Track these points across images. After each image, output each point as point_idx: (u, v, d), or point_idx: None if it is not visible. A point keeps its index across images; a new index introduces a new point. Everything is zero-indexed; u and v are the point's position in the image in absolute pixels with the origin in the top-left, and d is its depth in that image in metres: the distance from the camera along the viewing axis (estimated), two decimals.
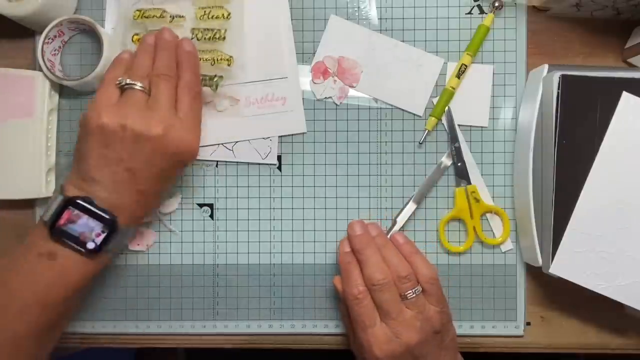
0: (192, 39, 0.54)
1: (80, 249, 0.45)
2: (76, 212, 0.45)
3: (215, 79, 0.53)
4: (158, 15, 0.54)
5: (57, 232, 0.45)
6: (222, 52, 0.55)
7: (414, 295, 0.47)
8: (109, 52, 0.53)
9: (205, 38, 0.55)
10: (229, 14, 0.55)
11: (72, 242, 0.45)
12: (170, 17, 0.55)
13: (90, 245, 0.45)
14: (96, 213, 0.45)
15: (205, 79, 0.53)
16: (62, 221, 0.45)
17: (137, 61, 0.49)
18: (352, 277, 0.49)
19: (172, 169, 0.48)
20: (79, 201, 0.45)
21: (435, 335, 0.48)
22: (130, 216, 0.47)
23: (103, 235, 0.45)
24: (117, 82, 0.47)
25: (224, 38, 0.55)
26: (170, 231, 0.56)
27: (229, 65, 0.55)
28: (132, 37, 0.55)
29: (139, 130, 0.45)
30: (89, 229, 0.45)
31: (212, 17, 0.55)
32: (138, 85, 0.47)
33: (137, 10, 0.54)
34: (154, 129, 0.45)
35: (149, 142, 0.45)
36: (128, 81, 0.47)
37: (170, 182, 0.52)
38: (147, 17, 0.54)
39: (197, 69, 0.51)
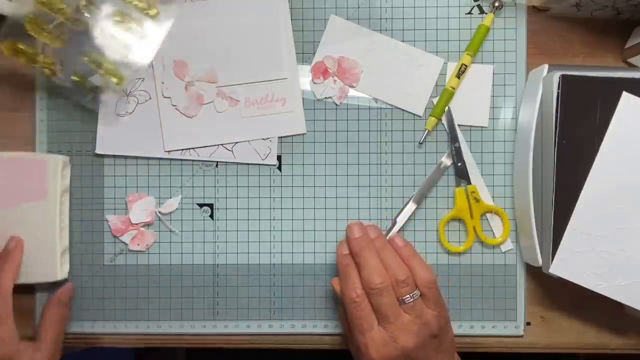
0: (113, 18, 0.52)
1: None
2: None
3: (95, 89, 0.54)
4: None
5: None
6: (116, 69, 0.53)
7: (412, 299, 0.47)
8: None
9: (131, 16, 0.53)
10: (157, 13, 0.54)
11: None
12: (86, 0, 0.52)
13: None
14: None
15: (86, 86, 0.54)
16: None
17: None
18: (350, 280, 0.49)
19: None
20: None
21: (432, 339, 0.48)
22: None
23: None
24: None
25: (157, 16, 0.54)
26: (170, 231, 0.56)
27: (118, 84, 0.54)
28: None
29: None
30: None
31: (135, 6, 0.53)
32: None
33: None
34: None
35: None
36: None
37: None
38: None
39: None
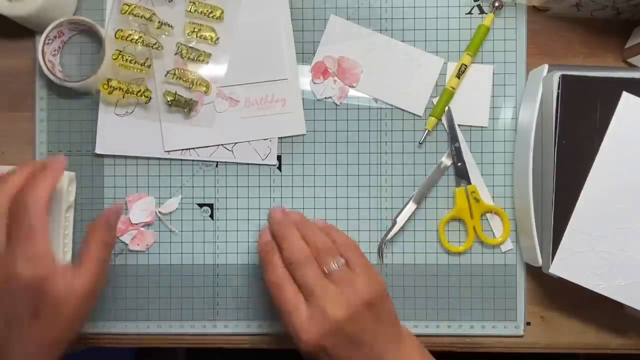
0: (176, 54, 0.54)
1: None
2: None
3: (191, 102, 0.53)
4: (147, 16, 0.53)
5: None
6: (202, 78, 0.54)
7: (336, 267, 0.45)
8: (110, 52, 0.53)
9: (189, 57, 0.54)
10: (217, 39, 0.54)
11: None
12: (159, 22, 0.53)
13: None
14: None
15: (180, 101, 0.53)
16: None
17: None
18: (271, 264, 0.46)
19: None
20: None
21: (367, 308, 0.44)
22: None
23: None
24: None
25: (207, 62, 0.54)
26: (170, 231, 0.56)
27: (206, 92, 0.54)
28: (115, 32, 0.53)
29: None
30: None
31: (200, 37, 0.54)
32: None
33: (126, 4, 0.53)
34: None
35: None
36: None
37: None
38: (135, 15, 0.53)
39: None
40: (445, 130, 0.56)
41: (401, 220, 0.55)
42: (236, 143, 0.56)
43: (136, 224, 0.56)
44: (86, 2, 0.56)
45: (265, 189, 0.56)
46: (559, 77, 0.48)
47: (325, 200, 0.56)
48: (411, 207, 0.55)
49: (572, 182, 0.48)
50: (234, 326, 0.56)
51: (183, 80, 0.54)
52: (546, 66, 0.51)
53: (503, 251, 0.56)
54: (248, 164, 0.56)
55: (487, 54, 0.56)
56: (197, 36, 0.54)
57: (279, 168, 0.56)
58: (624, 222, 0.48)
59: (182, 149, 0.56)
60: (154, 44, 0.54)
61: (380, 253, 0.56)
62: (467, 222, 0.55)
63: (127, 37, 0.53)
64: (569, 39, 0.56)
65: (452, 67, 0.55)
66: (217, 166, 0.56)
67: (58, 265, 0.42)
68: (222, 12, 0.54)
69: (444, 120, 0.56)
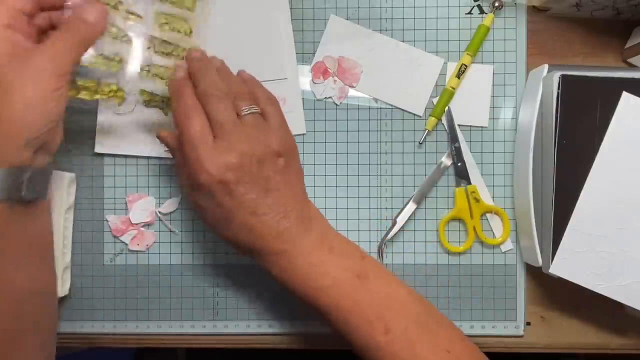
0: (148, 48, 0.48)
1: None
2: None
3: (168, 100, 0.49)
4: (112, 3, 0.46)
5: None
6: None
7: (249, 111, 0.44)
8: None
9: (161, 52, 0.48)
10: (191, 31, 0.49)
11: None
12: (126, 12, 0.47)
13: None
14: None
15: (157, 100, 0.50)
16: None
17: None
18: (184, 98, 0.44)
19: None
20: None
21: (276, 156, 0.44)
22: None
23: None
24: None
25: (183, 58, 0.49)
26: (170, 231, 0.56)
27: None
28: None
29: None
30: None
31: (172, 29, 0.49)
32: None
33: None
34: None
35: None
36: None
37: None
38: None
39: None
40: (445, 130, 0.56)
41: (401, 220, 0.55)
42: None
43: (136, 224, 0.56)
44: None
45: None
46: (559, 77, 0.48)
47: (325, 200, 0.56)
48: (411, 207, 0.55)
49: (572, 182, 0.48)
50: (234, 326, 0.56)
51: (159, 78, 0.48)
52: (546, 66, 0.51)
53: (503, 251, 0.56)
54: None
55: (487, 54, 0.56)
56: (169, 28, 0.49)
57: None
58: (624, 222, 0.48)
59: None
60: (123, 36, 0.47)
61: (380, 253, 0.56)
62: (467, 222, 0.55)
63: None
64: (569, 39, 0.56)
65: (452, 67, 0.55)
66: None
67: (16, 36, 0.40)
68: (194, 0, 0.50)
69: (444, 120, 0.56)
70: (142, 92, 0.50)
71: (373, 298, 0.43)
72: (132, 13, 0.47)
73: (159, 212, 0.56)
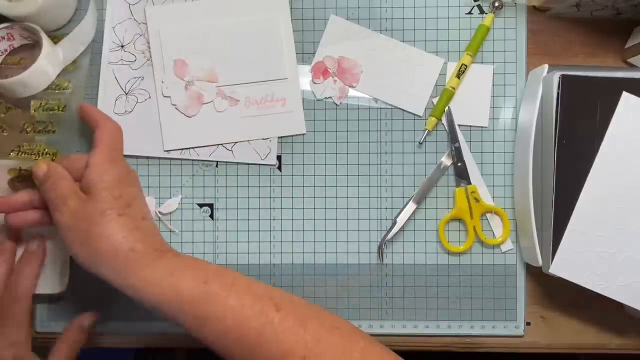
0: (21, 132, 0.53)
1: None
2: None
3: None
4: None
5: None
6: (47, 147, 0.53)
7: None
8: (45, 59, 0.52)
9: (35, 131, 0.53)
10: (64, 107, 0.53)
11: None
12: (6, 107, 0.53)
13: None
14: None
15: (27, 176, 0.51)
16: None
17: None
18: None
19: None
20: None
21: None
22: None
23: None
24: None
25: (54, 131, 0.53)
26: (170, 231, 0.56)
27: (53, 159, 0.53)
28: None
29: None
30: None
31: (46, 109, 0.53)
32: None
33: None
34: None
35: None
36: None
37: None
38: None
39: None
40: (445, 130, 0.56)
41: (401, 220, 0.55)
42: (236, 143, 0.56)
43: None
44: (86, 1, 0.56)
45: (265, 189, 0.56)
46: (559, 77, 0.48)
47: (325, 200, 0.56)
48: (411, 207, 0.55)
49: (572, 182, 0.48)
50: None
51: (28, 154, 0.53)
52: (546, 66, 0.51)
53: (503, 251, 0.56)
54: (248, 163, 0.56)
55: (487, 54, 0.56)
56: (43, 110, 0.53)
57: (279, 168, 0.56)
58: (624, 222, 0.48)
59: (182, 149, 0.56)
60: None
61: (380, 253, 0.56)
62: (467, 222, 0.55)
63: None
64: (569, 39, 0.56)
65: (452, 67, 0.55)
66: (217, 166, 0.56)
67: (32, 356, 0.49)
68: (69, 82, 0.54)
69: (444, 120, 0.56)
70: (11, 170, 0.53)
71: (255, 285, 0.44)
72: (10, 107, 0.53)
73: (159, 212, 0.56)
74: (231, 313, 0.42)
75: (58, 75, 0.53)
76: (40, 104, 0.53)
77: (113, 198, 0.44)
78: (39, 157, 0.53)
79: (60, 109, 0.53)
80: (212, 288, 0.42)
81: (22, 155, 0.53)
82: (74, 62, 0.54)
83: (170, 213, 0.56)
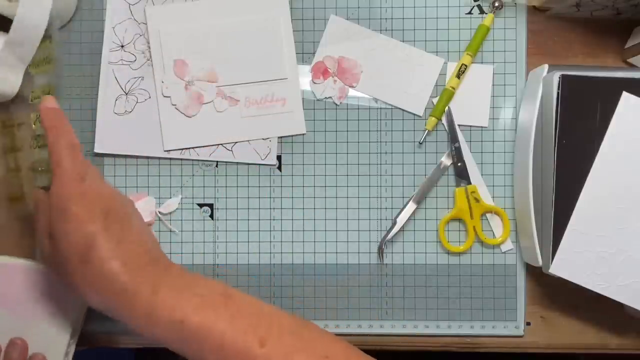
0: (34, 148, 0.53)
1: None
2: None
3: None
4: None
5: None
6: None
7: None
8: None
9: (43, 144, 0.53)
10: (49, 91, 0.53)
11: None
12: (18, 123, 0.53)
13: None
14: None
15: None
16: None
17: None
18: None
19: None
20: None
21: None
22: None
23: None
24: None
25: None
26: (171, 231, 0.56)
27: None
28: None
29: None
30: None
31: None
32: None
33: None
34: None
35: None
36: None
37: None
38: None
39: None
40: (445, 130, 0.56)
41: (401, 220, 0.55)
42: (236, 143, 0.56)
43: None
44: (86, 1, 0.56)
45: (265, 189, 0.56)
46: (559, 77, 0.48)
47: (325, 200, 0.56)
48: (411, 207, 0.55)
49: (572, 182, 0.48)
50: None
51: (45, 170, 0.53)
52: (546, 66, 0.51)
53: (503, 251, 0.56)
54: (248, 163, 0.56)
55: (487, 54, 0.56)
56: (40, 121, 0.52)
57: (279, 168, 0.56)
58: (624, 222, 0.48)
59: (182, 149, 0.56)
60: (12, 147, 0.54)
61: (380, 253, 0.56)
62: (467, 222, 0.55)
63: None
64: (569, 39, 0.56)
65: (452, 67, 0.55)
66: (217, 166, 0.56)
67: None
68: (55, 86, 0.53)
69: (444, 120, 0.56)
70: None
71: (243, 312, 0.42)
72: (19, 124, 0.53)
73: (159, 212, 0.56)
74: (212, 356, 0.40)
75: (33, 78, 0.52)
76: (37, 116, 0.52)
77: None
78: (44, 173, 0.53)
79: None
80: (192, 324, 0.40)
81: (41, 170, 0.53)
82: (46, 57, 0.52)
83: (170, 213, 0.56)
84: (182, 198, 0.56)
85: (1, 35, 0.52)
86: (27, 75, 0.52)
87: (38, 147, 0.53)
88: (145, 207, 0.56)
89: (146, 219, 0.56)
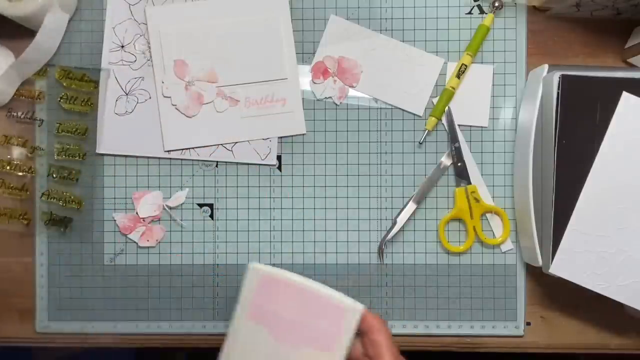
0: (48, 175, 0.56)
1: None
2: None
3: (66, 220, 0.55)
4: (22, 143, 0.56)
5: None
6: (73, 195, 0.56)
7: None
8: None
9: (60, 176, 0.56)
10: (84, 154, 0.56)
11: None
12: (31, 147, 0.56)
13: None
14: None
15: (56, 220, 0.55)
16: None
17: None
18: None
19: None
20: None
21: None
22: None
23: None
24: None
25: (77, 180, 0.56)
26: (179, 224, 0.56)
27: (78, 208, 0.56)
28: None
29: None
30: None
31: (68, 155, 0.56)
32: None
33: (5, 135, 0.56)
34: None
35: None
36: None
37: None
38: (10, 143, 0.56)
39: None
40: (445, 130, 0.56)
41: (401, 220, 0.55)
42: (236, 143, 0.56)
43: (144, 220, 0.56)
44: (86, 1, 0.56)
45: (265, 189, 0.56)
46: (559, 77, 0.48)
47: (325, 200, 0.56)
48: (411, 207, 0.55)
49: (572, 182, 0.48)
50: None
51: (56, 199, 0.56)
52: (546, 66, 0.51)
53: (503, 251, 0.56)
54: (248, 163, 0.56)
55: (487, 54, 0.56)
56: (66, 154, 0.56)
57: (279, 168, 0.56)
58: (624, 222, 0.48)
59: (182, 149, 0.56)
60: (29, 169, 0.56)
61: (380, 253, 0.56)
62: (467, 222, 0.55)
63: (2, 168, 0.56)
64: (569, 39, 0.56)
65: (452, 67, 0.55)
66: (217, 166, 0.56)
67: None
68: (87, 128, 0.56)
69: (444, 120, 0.56)
70: (44, 214, 0.56)
71: None
72: (37, 148, 0.56)
73: (167, 206, 0.56)
74: None
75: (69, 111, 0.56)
76: (63, 147, 0.56)
77: None
78: (66, 203, 0.56)
79: (82, 157, 0.56)
80: None
81: (50, 199, 0.56)
82: (43, 71, 0.55)
83: (178, 206, 0.56)
84: (187, 190, 0.56)
85: (5, 52, 0.55)
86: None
87: (60, 179, 0.56)
88: (153, 200, 0.56)
89: (153, 213, 0.56)
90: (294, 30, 0.56)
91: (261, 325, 0.45)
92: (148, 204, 0.56)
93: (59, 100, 0.55)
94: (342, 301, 0.45)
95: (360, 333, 0.45)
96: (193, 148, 0.56)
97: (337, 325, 0.44)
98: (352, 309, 0.44)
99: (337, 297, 0.45)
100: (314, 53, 0.56)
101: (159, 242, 0.56)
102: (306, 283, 0.45)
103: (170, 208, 0.56)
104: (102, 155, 0.56)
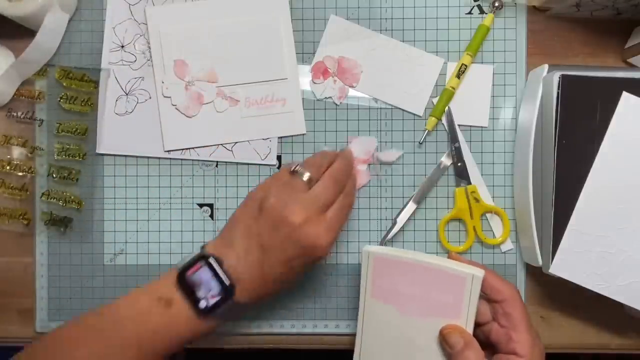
0: (47, 175, 0.56)
1: (193, 305, 0.44)
2: (204, 267, 0.45)
3: (66, 220, 0.55)
4: (22, 143, 0.56)
5: (182, 279, 0.45)
6: (73, 195, 0.56)
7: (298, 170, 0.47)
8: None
9: (59, 177, 0.56)
10: (84, 154, 0.56)
11: (190, 295, 0.44)
12: (31, 147, 0.56)
13: (202, 304, 0.44)
14: (218, 275, 0.45)
15: (56, 220, 0.55)
16: (190, 272, 0.45)
17: (316, 158, 0.48)
18: None
19: (300, 262, 0.46)
20: (210, 259, 0.45)
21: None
22: (248, 292, 0.45)
23: (216, 299, 0.44)
24: (291, 167, 0.47)
25: (77, 180, 0.56)
26: (377, 175, 0.56)
27: (78, 208, 0.56)
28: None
29: (280, 212, 0.45)
30: (207, 288, 0.45)
31: (68, 155, 0.56)
32: (306, 175, 0.46)
33: (5, 135, 0.56)
34: (294, 217, 0.44)
35: (286, 227, 0.44)
36: (298, 168, 0.46)
37: (295, 276, 0.47)
38: (9, 143, 0.56)
39: (356, 185, 0.51)
40: (445, 130, 0.56)
41: (401, 220, 0.55)
42: (236, 143, 0.56)
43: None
44: (86, 1, 0.56)
45: None
46: (559, 77, 0.48)
47: None
48: (411, 207, 0.55)
49: (572, 182, 0.48)
50: (234, 326, 0.56)
51: (56, 199, 0.56)
52: (546, 66, 0.51)
53: (503, 251, 0.56)
54: (248, 163, 0.56)
55: (487, 54, 0.56)
56: (66, 154, 0.56)
57: (279, 168, 0.56)
58: (624, 222, 0.48)
59: (182, 149, 0.56)
60: (29, 169, 0.56)
61: None
62: (467, 222, 0.55)
63: (2, 168, 0.56)
64: (569, 39, 0.56)
65: (452, 67, 0.55)
66: (217, 166, 0.56)
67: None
68: (87, 128, 0.56)
69: (444, 120, 0.56)
70: (44, 214, 0.56)
71: None
72: (37, 148, 0.56)
73: (378, 157, 0.55)
74: None
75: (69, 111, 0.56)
76: (63, 147, 0.56)
77: None
78: (65, 203, 0.56)
79: (81, 157, 0.56)
80: None
81: (50, 199, 0.56)
82: (43, 71, 0.55)
83: (390, 162, 0.56)
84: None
85: (5, 52, 0.55)
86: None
87: (60, 179, 0.56)
88: (365, 145, 0.55)
89: (363, 156, 0.55)
90: (294, 30, 0.56)
91: (385, 302, 0.48)
92: (361, 146, 0.55)
93: (59, 100, 0.55)
94: (460, 271, 0.45)
95: (488, 298, 0.46)
96: (193, 148, 0.56)
97: (459, 294, 0.45)
98: (472, 277, 0.45)
99: (454, 267, 0.45)
100: (314, 53, 0.56)
101: (360, 187, 0.56)
102: (418, 258, 0.46)
103: (380, 160, 0.56)
104: (102, 155, 0.56)
